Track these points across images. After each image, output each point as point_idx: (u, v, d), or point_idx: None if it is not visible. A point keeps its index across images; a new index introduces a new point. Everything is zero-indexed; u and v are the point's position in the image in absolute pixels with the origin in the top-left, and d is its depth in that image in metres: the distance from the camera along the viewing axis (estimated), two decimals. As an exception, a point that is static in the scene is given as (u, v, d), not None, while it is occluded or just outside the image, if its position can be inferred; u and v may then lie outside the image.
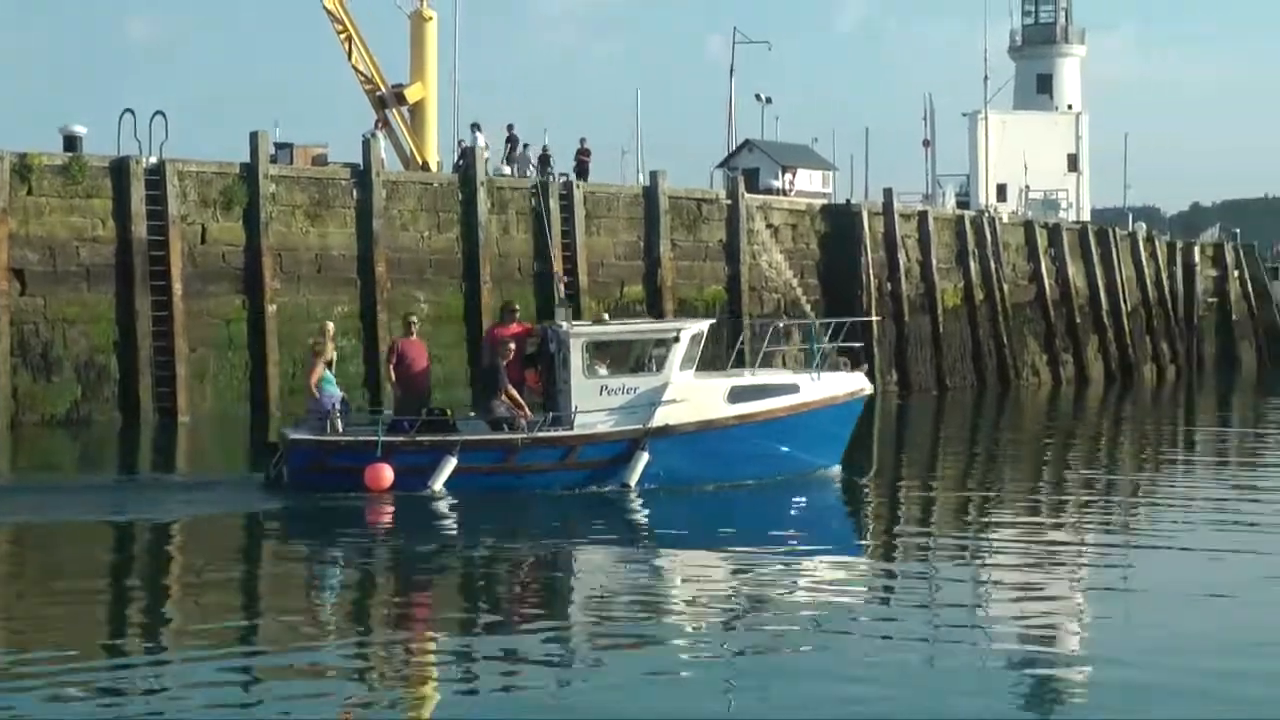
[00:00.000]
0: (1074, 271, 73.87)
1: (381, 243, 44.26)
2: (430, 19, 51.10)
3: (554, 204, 47.66)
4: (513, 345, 25.30)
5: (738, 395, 25.22)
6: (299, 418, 26.79)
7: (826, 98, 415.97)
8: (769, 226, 56.00)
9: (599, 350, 25.03)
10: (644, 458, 24.32)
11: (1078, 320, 72.58)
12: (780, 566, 18.75)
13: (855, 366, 27.13)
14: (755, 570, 18.40)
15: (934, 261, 62.63)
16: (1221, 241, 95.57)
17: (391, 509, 22.94)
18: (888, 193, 62.42)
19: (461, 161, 47.64)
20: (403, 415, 25.09)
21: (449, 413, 25.75)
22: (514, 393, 24.71)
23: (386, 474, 23.54)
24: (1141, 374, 75.83)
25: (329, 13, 49.39)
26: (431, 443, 24.22)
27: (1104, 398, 60.43)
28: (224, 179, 42.40)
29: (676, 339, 24.91)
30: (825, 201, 63.37)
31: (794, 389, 25.56)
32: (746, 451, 24.98)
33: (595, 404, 24.47)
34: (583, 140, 52.32)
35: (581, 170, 51.01)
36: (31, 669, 12.86)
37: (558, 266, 46.78)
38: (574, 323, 26.09)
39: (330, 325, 27.25)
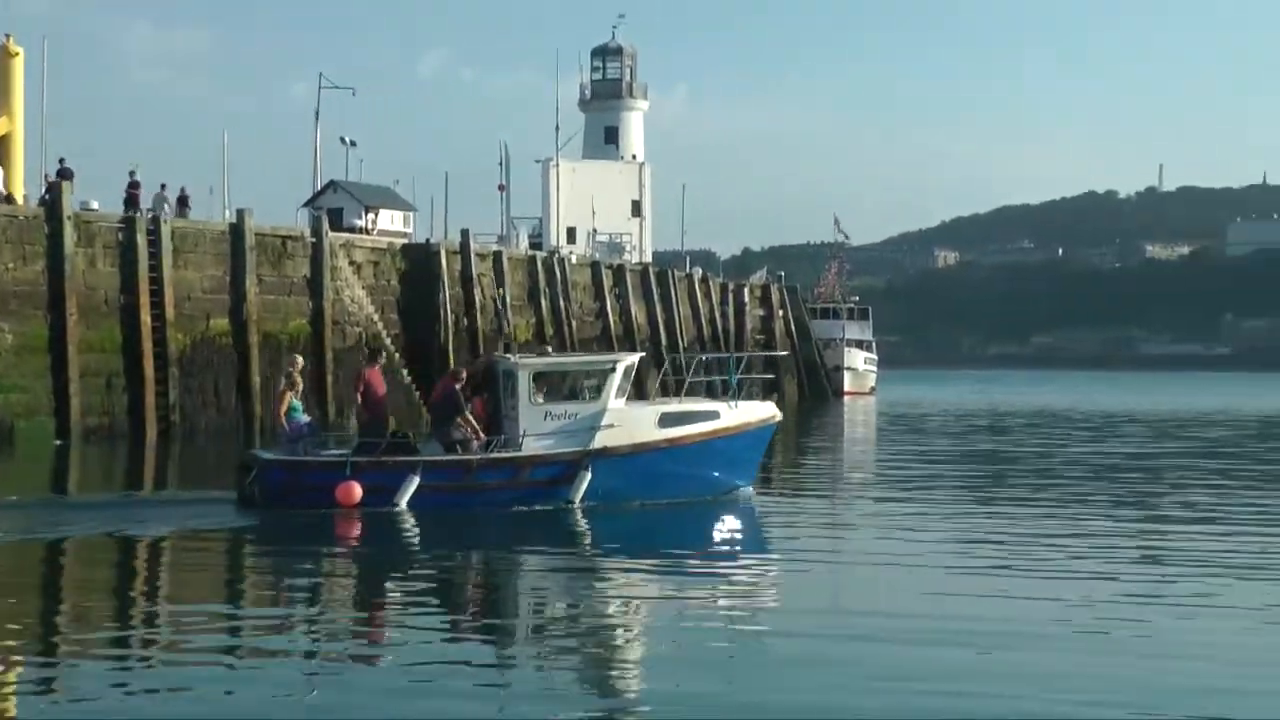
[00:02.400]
0: (637, 309, 76.51)
1: (-36, 273, 42.50)
2: (16, 55, 49.39)
3: (141, 239, 46.72)
4: (465, 375, 26.72)
5: (666, 421, 26.48)
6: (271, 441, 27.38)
7: (409, 142, 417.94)
8: (352, 263, 56.21)
9: (543, 379, 26.28)
10: (586, 477, 25.58)
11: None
12: (696, 574, 20.07)
13: (767, 396, 28.21)
14: (675, 577, 19.63)
15: (508, 299, 63.92)
16: (769, 283, 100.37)
17: (360, 523, 23.85)
18: (465, 233, 63.52)
19: (48, 195, 46.16)
20: (366, 437, 26.02)
21: (411, 436, 26.80)
22: (470, 418, 25.88)
23: (355, 491, 24.60)
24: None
25: (-93, 43, 47.23)
26: (396, 463, 25.26)
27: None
28: None
29: (613, 370, 26.27)
30: (406, 240, 63.93)
31: (715, 415, 26.88)
32: (674, 471, 26.34)
33: (541, 428, 25.77)
34: (132, 173, 50.87)
35: (131, 202, 49.74)
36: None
37: (144, 299, 46.00)
38: (521, 355, 27.40)
39: (299, 359, 28.76)
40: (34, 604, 17.56)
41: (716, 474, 27.11)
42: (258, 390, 49.33)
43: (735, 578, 19.98)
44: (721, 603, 17.76)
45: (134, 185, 50.40)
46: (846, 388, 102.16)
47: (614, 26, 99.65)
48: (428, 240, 64.44)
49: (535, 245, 77.75)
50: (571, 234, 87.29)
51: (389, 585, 19.27)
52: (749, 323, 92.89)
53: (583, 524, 24.52)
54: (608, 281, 74.32)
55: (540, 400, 25.97)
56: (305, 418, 26.81)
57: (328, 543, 22.54)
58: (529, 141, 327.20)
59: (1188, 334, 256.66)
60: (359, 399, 26.87)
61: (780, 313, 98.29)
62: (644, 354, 28.64)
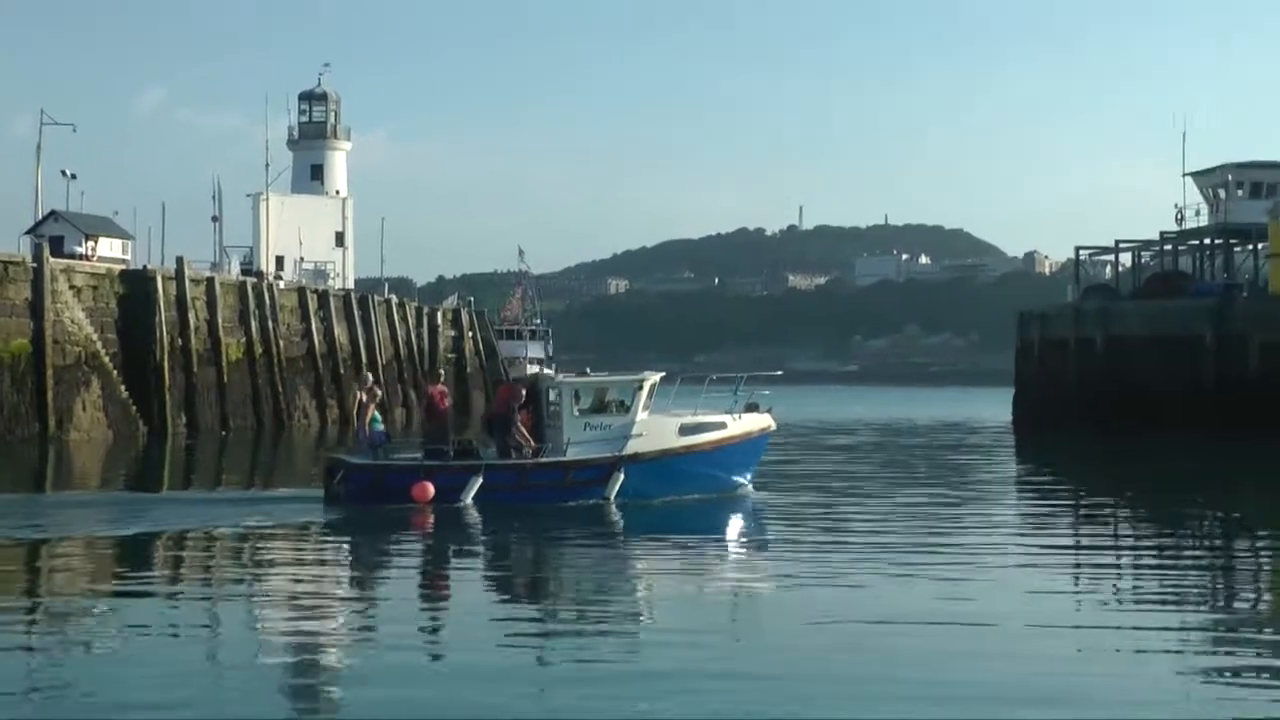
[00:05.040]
0: (340, 331, 75.97)
1: None
2: None
3: None
4: (517, 394, 27.95)
5: (685, 430, 27.90)
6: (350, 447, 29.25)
7: (128, 175, 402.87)
8: (72, 287, 54.51)
9: (583, 395, 27.74)
10: (620, 478, 27.03)
11: (342, 372, 74.66)
12: (719, 557, 21.97)
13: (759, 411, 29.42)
14: (699, 561, 21.35)
15: (220, 320, 62.89)
16: (460, 307, 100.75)
17: (432, 517, 25.40)
18: (180, 260, 62.20)
19: None
20: (431, 444, 27.91)
21: (474, 443, 28.42)
22: (523, 430, 27.21)
23: (429, 490, 26.09)
24: (394, 415, 78.70)
25: None
26: (463, 466, 26.91)
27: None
28: None
29: (640, 387, 27.57)
30: (125, 267, 62.24)
31: (723, 426, 28.28)
32: (691, 473, 27.82)
33: (582, 437, 27.26)
34: None
35: None
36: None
37: None
38: (564, 374, 28.56)
39: (370, 376, 30.63)
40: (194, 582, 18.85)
41: (725, 475, 28.64)
42: (-20, 405, 47.58)
43: (740, 559, 21.99)
44: (727, 578, 19.50)
45: None
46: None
47: (320, 74, 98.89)
48: (145, 266, 62.94)
49: (247, 272, 76.42)
50: (280, 262, 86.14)
51: (457, 564, 21.50)
52: (442, 343, 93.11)
53: (617, 516, 25.99)
54: (313, 305, 73.61)
55: (580, 413, 27.40)
56: (382, 428, 28.36)
57: (409, 531, 24.46)
58: (241, 177, 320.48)
59: (825, 352, 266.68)
60: (424, 412, 28.40)
61: (470, 334, 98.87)
62: (664, 374, 29.51)
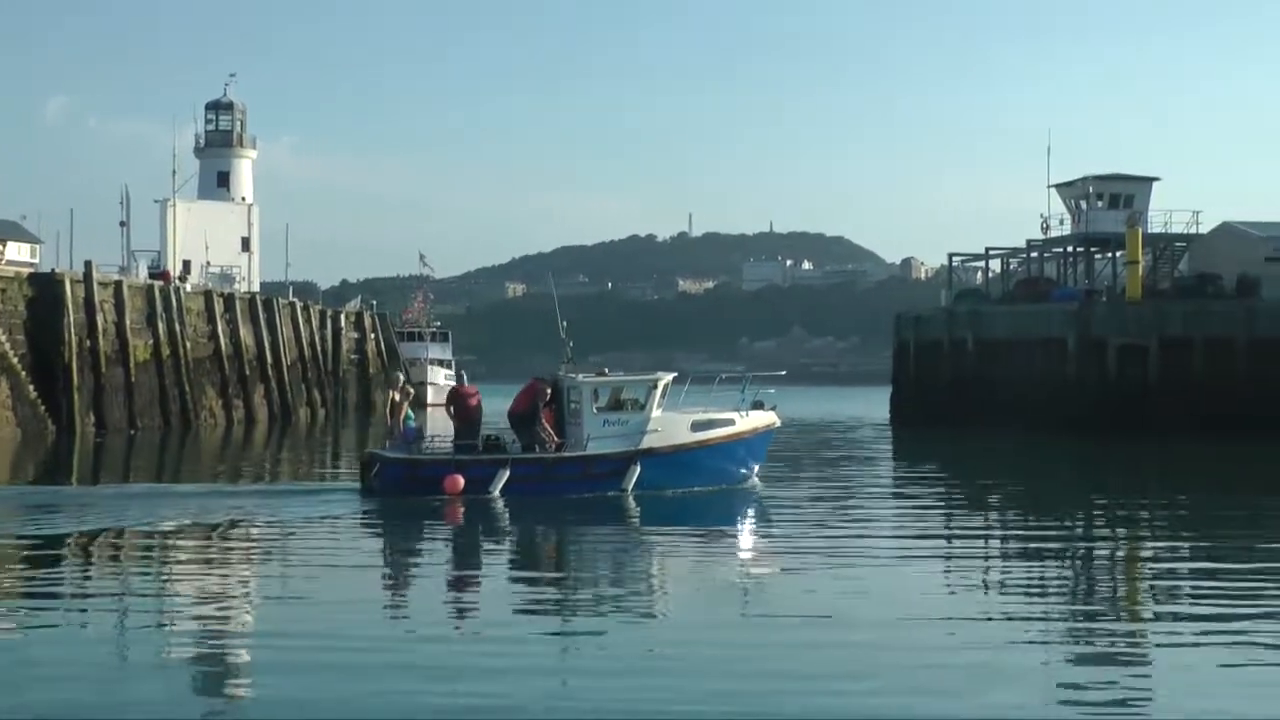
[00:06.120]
0: (245, 333, 75.21)
1: None
2: None
3: None
4: (542, 393, 28.40)
5: (697, 427, 28.76)
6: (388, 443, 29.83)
7: (36, 181, 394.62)
8: (-20, 291, 53.54)
9: (601, 394, 28.45)
10: (636, 471, 27.81)
11: (247, 372, 73.97)
12: (726, 545, 22.77)
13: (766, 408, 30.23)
14: (701, 544, 22.29)
15: (128, 322, 62.05)
16: (363, 310, 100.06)
17: (463, 507, 26.15)
18: (88, 264, 61.23)
19: None
20: (460, 440, 28.56)
21: (501, 439, 28.86)
22: (547, 427, 28.02)
23: (459, 482, 26.95)
24: (298, 415, 78.20)
25: None
26: (491, 460, 27.71)
27: (268, 434, 61.99)
28: None
29: (655, 386, 28.38)
30: (33, 270, 61.21)
31: (732, 422, 29.15)
32: (702, 466, 28.68)
33: (601, 432, 28.05)
34: None
35: None
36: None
37: None
38: (584, 374, 29.10)
39: (401, 376, 30.24)
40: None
41: (733, 468, 29.47)
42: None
43: (744, 545, 22.78)
44: (734, 563, 20.38)
45: None
46: (429, 400, 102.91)
47: (226, 84, 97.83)
48: (53, 270, 61.88)
49: (154, 276, 75.38)
50: (188, 266, 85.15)
51: (487, 550, 22.46)
52: (345, 344, 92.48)
53: (633, 507, 26.77)
54: (219, 308, 72.84)
55: (599, 411, 28.13)
56: (414, 424, 29.19)
57: (442, 520, 25.07)
58: (149, 183, 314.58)
59: (716, 354, 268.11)
60: (450, 410, 29.22)
61: (372, 336, 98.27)
62: (677, 374, 30.25)
